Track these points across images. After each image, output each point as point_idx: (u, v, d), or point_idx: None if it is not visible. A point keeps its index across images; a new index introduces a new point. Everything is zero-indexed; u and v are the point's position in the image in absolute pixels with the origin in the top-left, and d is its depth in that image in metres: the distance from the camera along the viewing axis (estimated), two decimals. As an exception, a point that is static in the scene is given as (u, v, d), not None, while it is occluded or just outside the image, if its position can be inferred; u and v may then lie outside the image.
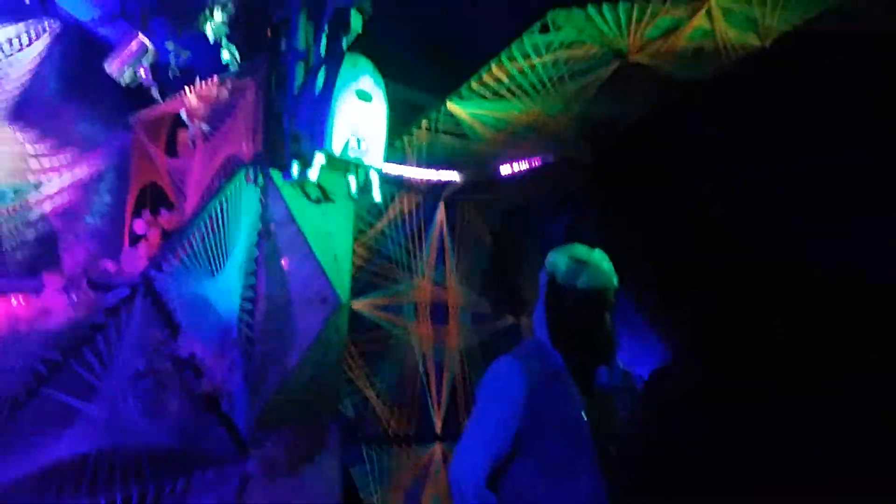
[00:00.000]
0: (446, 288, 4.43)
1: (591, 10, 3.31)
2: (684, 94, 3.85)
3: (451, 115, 3.87)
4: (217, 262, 3.39)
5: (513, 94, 3.75)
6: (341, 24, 3.37)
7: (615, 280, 2.51)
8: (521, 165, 4.30)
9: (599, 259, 2.55)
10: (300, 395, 3.60)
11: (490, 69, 3.60)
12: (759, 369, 3.90)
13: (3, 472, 2.84)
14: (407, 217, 4.20)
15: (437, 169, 4.16)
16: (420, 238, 4.28)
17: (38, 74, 4.31)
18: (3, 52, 4.19)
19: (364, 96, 3.40)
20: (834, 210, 3.76)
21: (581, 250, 2.57)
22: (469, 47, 3.62)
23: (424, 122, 3.91)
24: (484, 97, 3.75)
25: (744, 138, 3.86)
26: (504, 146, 4.07)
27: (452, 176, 4.25)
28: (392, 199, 4.08)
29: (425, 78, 3.78)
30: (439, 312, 4.43)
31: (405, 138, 3.93)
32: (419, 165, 4.06)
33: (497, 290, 4.68)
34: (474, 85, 3.67)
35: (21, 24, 4.20)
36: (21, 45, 4.22)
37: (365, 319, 4.11)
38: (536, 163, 4.33)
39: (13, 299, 2.68)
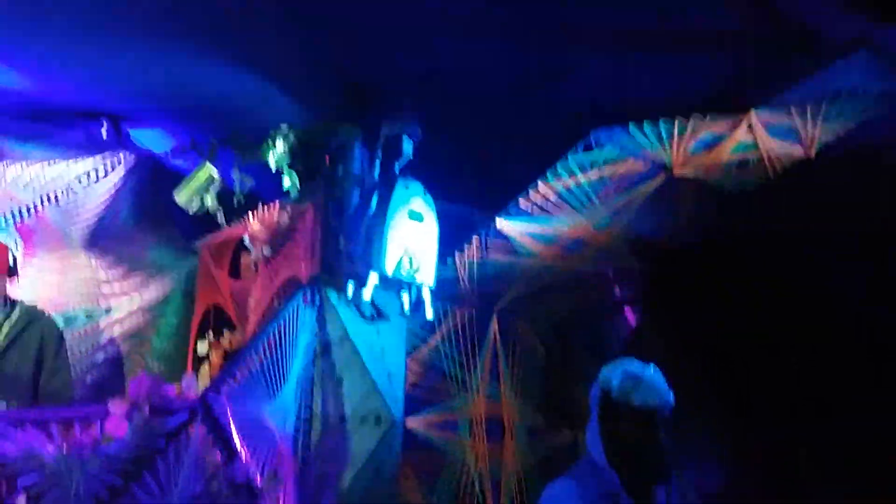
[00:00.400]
0: (501, 403, 4.39)
1: (632, 128, 3.42)
2: (732, 204, 3.86)
3: (501, 232, 3.96)
4: (275, 382, 3.44)
5: (560, 209, 3.83)
6: (393, 150, 3.55)
7: (671, 397, 2.48)
8: (572, 277, 4.33)
9: (654, 375, 2.53)
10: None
11: (537, 187, 3.71)
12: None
13: None
14: (460, 332, 4.23)
15: (489, 284, 4.21)
16: (474, 353, 4.29)
17: (112, 204, 4.58)
18: (80, 183, 4.49)
19: (416, 216, 3.54)
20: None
21: (635, 366, 2.56)
22: (517, 165, 3.74)
23: (475, 239, 4.00)
24: (532, 213, 3.85)
25: (793, 246, 3.84)
26: (554, 260, 4.12)
27: (503, 290, 4.30)
28: (445, 314, 4.13)
29: (475, 196, 3.90)
30: (495, 429, 4.37)
31: (456, 255, 4.02)
32: (471, 281, 4.12)
33: (553, 405, 4.61)
34: (522, 202, 3.77)
35: (98, 157, 4.49)
36: (98, 176, 4.51)
37: (419, 437, 4.08)
38: (588, 274, 4.35)
39: (78, 426, 2.76)
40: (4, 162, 4.28)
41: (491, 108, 3.58)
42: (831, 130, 3.54)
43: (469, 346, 4.24)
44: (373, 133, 3.67)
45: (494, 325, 4.38)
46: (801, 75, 3.26)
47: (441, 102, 3.57)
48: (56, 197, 4.46)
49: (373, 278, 3.48)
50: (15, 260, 3.81)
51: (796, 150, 3.63)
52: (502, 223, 3.91)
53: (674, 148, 3.55)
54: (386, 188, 3.56)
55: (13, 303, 3.74)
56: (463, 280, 4.06)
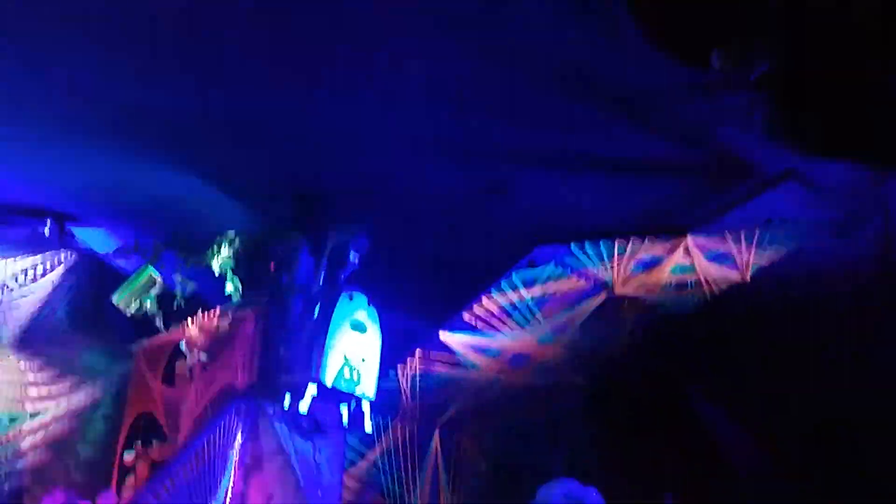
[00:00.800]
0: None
1: (574, 247, 3.49)
2: (671, 323, 3.92)
3: (444, 344, 3.94)
4: (201, 498, 3.29)
5: (503, 324, 3.84)
6: (339, 260, 3.54)
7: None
8: (517, 392, 4.29)
9: (594, 497, 2.47)
10: None
11: (480, 301, 3.73)
12: None
13: None
14: (400, 447, 4.12)
15: (431, 397, 4.15)
16: (415, 468, 4.18)
17: (48, 304, 4.46)
18: (17, 282, 4.37)
19: (359, 327, 3.50)
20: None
21: (574, 486, 2.50)
22: (461, 279, 3.75)
23: (418, 352, 3.97)
24: (475, 327, 3.85)
25: (731, 364, 3.90)
26: (498, 373, 4.10)
27: (447, 404, 4.23)
28: (385, 428, 4.04)
29: (418, 308, 3.89)
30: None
31: (399, 367, 3.97)
32: (413, 394, 4.06)
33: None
34: (466, 316, 3.78)
35: (38, 256, 4.41)
36: (35, 275, 4.41)
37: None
38: (531, 389, 4.32)
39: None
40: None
41: (436, 222, 3.63)
42: (765, 255, 3.65)
43: (409, 461, 4.13)
44: (319, 242, 3.67)
45: (436, 440, 4.29)
46: (736, 202, 3.39)
47: (387, 215, 3.60)
48: (-12, 294, 4.34)
49: (311, 389, 3.39)
50: None
51: (732, 274, 3.73)
52: (445, 336, 3.90)
53: (615, 267, 3.62)
54: (330, 298, 3.53)
55: None
56: (405, 393, 4.00)
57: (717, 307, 3.76)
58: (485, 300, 3.75)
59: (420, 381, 4.02)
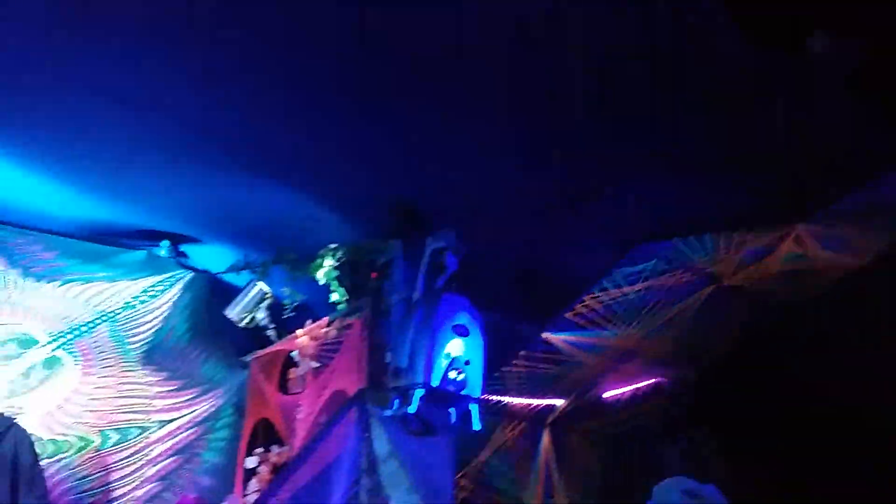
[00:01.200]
0: (556, 519, 4.24)
1: (679, 241, 3.41)
2: (784, 314, 3.78)
3: (548, 343, 3.93)
4: (321, 499, 3.40)
5: (608, 321, 3.80)
6: (438, 266, 3.60)
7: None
8: (626, 389, 4.23)
9: (713, 493, 2.42)
10: None
11: (583, 301, 3.70)
12: None
13: None
14: (511, 446, 4.14)
15: (539, 396, 4.15)
16: (526, 467, 4.18)
17: (168, 320, 4.73)
18: (139, 301, 4.66)
19: (461, 330, 3.55)
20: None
21: (692, 484, 2.45)
22: (561, 280, 3.74)
23: (523, 352, 3.98)
24: (579, 325, 3.82)
25: (850, 356, 3.71)
26: (605, 370, 4.05)
27: (555, 402, 4.22)
28: (494, 428, 4.06)
29: (521, 309, 3.90)
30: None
31: (504, 368, 3.99)
32: (520, 394, 4.07)
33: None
34: (569, 315, 3.76)
35: (157, 276, 4.69)
36: (156, 292, 4.70)
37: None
38: (642, 386, 4.25)
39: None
40: (68, 282, 4.49)
41: (534, 224, 3.63)
42: (881, 241, 3.47)
43: (521, 460, 4.14)
44: (417, 249, 3.74)
45: (546, 439, 4.29)
46: (849, 188, 3.24)
47: (484, 219, 3.63)
48: (115, 313, 4.64)
49: (418, 393, 3.46)
50: None
51: (847, 260, 3.57)
52: (549, 335, 3.89)
53: (722, 259, 3.52)
54: (431, 303, 3.59)
55: None
56: (512, 393, 4.01)
57: (832, 295, 3.60)
58: (588, 299, 3.72)
59: (527, 380, 4.03)
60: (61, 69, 2.98)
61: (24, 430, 3.81)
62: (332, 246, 4.07)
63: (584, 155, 3.17)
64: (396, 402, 3.50)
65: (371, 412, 3.59)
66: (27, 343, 4.45)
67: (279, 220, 4.12)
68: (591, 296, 3.68)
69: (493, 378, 3.89)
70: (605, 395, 4.31)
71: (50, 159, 3.66)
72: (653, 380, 4.27)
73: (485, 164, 3.32)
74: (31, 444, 3.79)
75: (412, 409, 3.43)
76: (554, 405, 4.24)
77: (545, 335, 3.89)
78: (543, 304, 3.85)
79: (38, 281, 4.42)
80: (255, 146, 3.38)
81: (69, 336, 4.55)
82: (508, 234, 3.71)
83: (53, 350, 4.49)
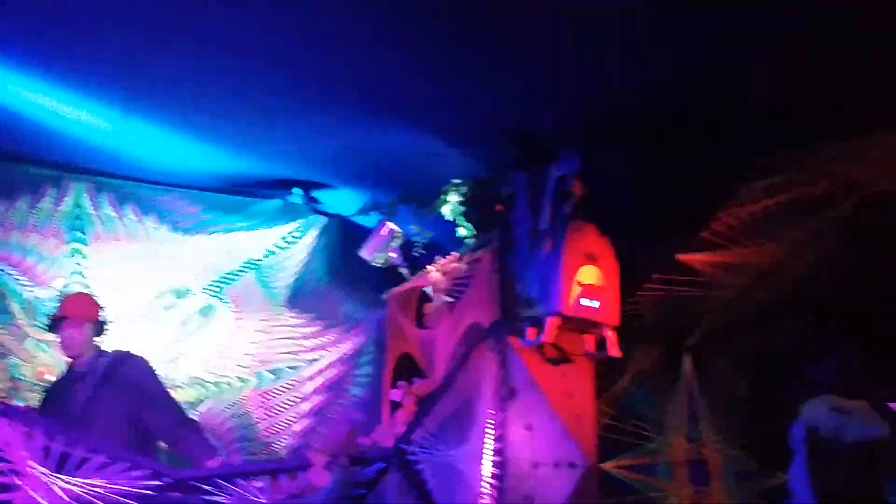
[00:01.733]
0: (703, 445, 4.16)
1: (818, 148, 3.16)
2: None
3: (685, 265, 3.80)
4: (464, 428, 3.50)
5: (748, 237, 3.61)
6: (563, 193, 3.54)
7: (886, 431, 2.24)
8: (770, 307, 4.04)
9: (866, 409, 2.30)
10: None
11: (719, 217, 3.53)
12: None
13: None
14: (651, 371, 4.08)
15: (677, 319, 4.05)
16: (668, 392, 4.12)
17: (307, 264, 4.96)
18: (279, 247, 4.91)
19: (592, 257, 3.49)
20: None
21: (841, 402, 2.34)
22: (694, 197, 3.59)
23: (658, 275, 3.87)
24: (717, 244, 3.66)
25: None
26: (745, 290, 3.88)
27: (694, 325, 4.10)
28: (633, 354, 4.01)
29: (653, 230, 3.78)
30: (698, 472, 4.15)
31: (638, 292, 3.90)
32: (657, 318, 3.98)
33: (761, 445, 4.29)
34: (705, 234, 3.60)
35: (293, 223, 4.92)
36: (294, 238, 4.93)
37: (617, 481, 3.96)
38: (787, 304, 4.05)
39: (285, 477, 2.96)
40: (212, 233, 4.78)
41: (661, 140, 3.47)
42: None
43: (662, 385, 4.08)
44: (541, 178, 3.68)
45: (687, 364, 4.19)
46: None
47: (610, 139, 3.52)
48: (258, 261, 4.91)
49: (552, 322, 3.45)
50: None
51: None
52: (685, 256, 3.76)
53: (869, 165, 3.24)
54: (559, 231, 3.55)
55: (101, 352, 4.00)
56: (648, 317, 3.93)
57: None
58: (724, 216, 3.55)
59: (663, 304, 3.93)
60: (199, 30, 3.11)
61: (145, 360, 4.03)
62: (456, 181, 4.09)
63: (714, 52, 2.98)
64: (531, 331, 3.51)
65: (507, 342, 3.63)
66: (183, 293, 4.81)
67: (404, 160, 4.18)
68: (728, 212, 3.50)
69: (629, 303, 3.82)
70: (747, 315, 4.14)
71: (189, 118, 3.87)
72: (797, 297, 4.06)
73: (605, 80, 3.19)
74: (153, 371, 4.01)
75: (547, 337, 3.43)
76: (694, 328, 4.12)
77: (681, 256, 3.76)
78: (676, 224, 3.70)
79: (186, 234, 4.74)
80: (378, 89, 3.44)
81: (219, 285, 4.87)
82: (636, 152, 3.58)
83: (207, 299, 4.83)
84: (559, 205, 3.52)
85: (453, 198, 3.99)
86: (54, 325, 3.95)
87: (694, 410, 4.19)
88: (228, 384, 4.84)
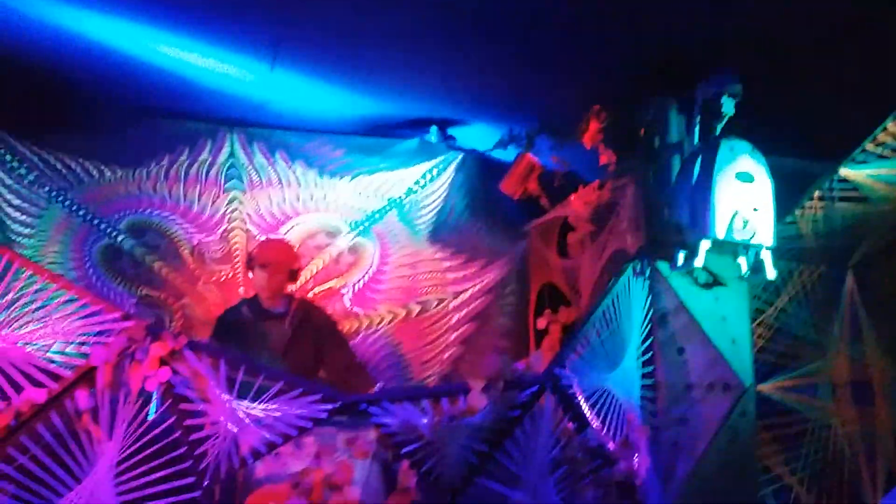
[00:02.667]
0: (867, 365, 3.99)
1: None
2: None
3: (847, 180, 3.61)
4: (615, 354, 3.53)
5: (918, 148, 3.37)
6: (713, 112, 3.42)
7: None
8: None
9: None
10: (713, 483, 3.53)
11: (885, 128, 3.30)
12: None
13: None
14: (810, 291, 3.92)
15: (838, 238, 3.85)
16: (828, 313, 3.96)
17: (447, 200, 5.08)
18: (419, 186, 5.04)
19: (745, 177, 3.38)
20: None
21: None
22: (856, 107, 3.37)
23: (817, 193, 3.69)
24: (883, 156, 3.44)
25: None
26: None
27: (856, 243, 3.89)
28: (790, 274, 3.86)
29: (811, 147, 3.60)
30: (861, 391, 3.99)
31: (797, 211, 3.74)
32: (817, 237, 3.81)
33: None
34: (869, 146, 3.39)
35: (432, 161, 5.03)
36: (433, 176, 5.05)
37: (776, 403, 3.88)
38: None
39: (445, 401, 3.10)
40: (356, 175, 4.96)
41: (818, 51, 3.26)
42: None
43: (821, 306, 3.93)
44: (689, 96, 3.56)
45: (850, 282, 3.99)
46: None
47: (757, 53, 3.34)
48: (401, 200, 5.07)
49: (703, 245, 3.39)
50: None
51: None
52: (847, 171, 3.56)
53: None
54: (709, 152, 3.44)
55: (290, 296, 4.33)
56: (807, 237, 3.77)
57: None
58: (891, 126, 3.32)
59: (823, 222, 3.75)
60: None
61: (322, 310, 4.47)
62: (597, 107, 4.02)
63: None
64: (682, 256, 3.46)
65: (655, 268, 3.60)
66: (333, 233, 5.05)
67: (539, 90, 4.15)
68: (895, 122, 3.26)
69: (785, 223, 3.67)
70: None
71: (331, 65, 4.00)
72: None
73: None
74: (334, 320, 4.43)
75: (699, 261, 3.38)
76: (858, 246, 3.90)
77: (843, 171, 3.55)
78: (836, 138, 3.50)
79: (333, 177, 4.97)
80: (510, 17, 3.39)
81: (366, 224, 5.08)
82: (789, 68, 3.39)
83: (355, 237, 5.06)
84: (709, 124, 3.41)
85: (594, 125, 3.93)
86: (252, 266, 4.27)
87: (857, 330, 4.02)
88: (380, 317, 5.08)
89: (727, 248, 3.43)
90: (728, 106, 3.38)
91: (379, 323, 5.06)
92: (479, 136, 4.88)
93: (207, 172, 4.79)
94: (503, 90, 4.23)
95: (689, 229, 3.44)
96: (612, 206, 4.01)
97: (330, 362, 4.29)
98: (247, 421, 3.01)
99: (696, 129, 3.51)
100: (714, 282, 3.58)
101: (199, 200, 4.79)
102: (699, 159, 3.43)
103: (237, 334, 4.18)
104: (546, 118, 4.45)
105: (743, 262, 3.49)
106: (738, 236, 3.35)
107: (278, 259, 4.25)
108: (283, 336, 4.18)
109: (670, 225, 3.54)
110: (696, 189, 3.41)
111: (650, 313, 3.61)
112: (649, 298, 3.62)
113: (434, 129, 4.85)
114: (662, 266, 3.61)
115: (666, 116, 3.63)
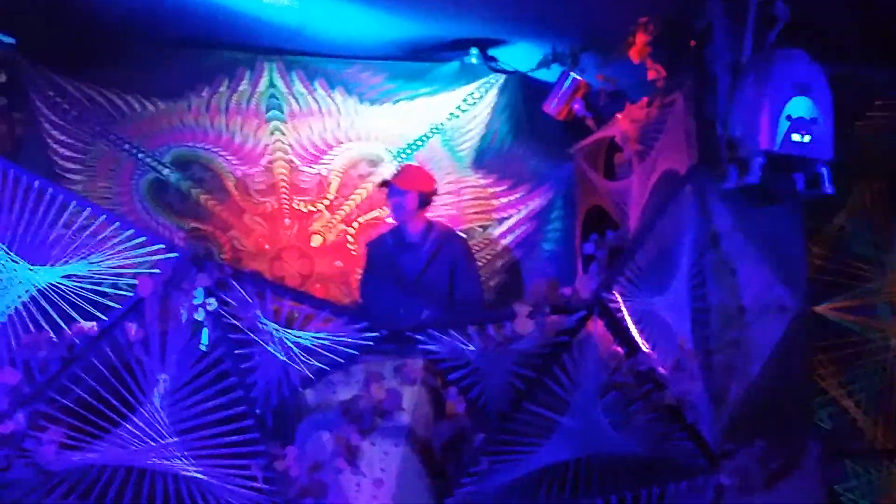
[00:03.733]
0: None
1: None
2: None
3: (911, 88, 3.41)
4: (664, 277, 3.46)
5: None
6: (767, 18, 3.23)
7: None
8: None
9: None
10: (767, 406, 3.50)
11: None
12: None
13: (499, 476, 3.28)
14: (871, 207, 3.77)
15: (901, 149, 3.67)
16: (890, 229, 3.81)
17: (489, 124, 4.98)
18: (461, 110, 4.94)
19: (802, 89, 3.20)
20: None
21: None
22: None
23: (879, 102, 3.50)
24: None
25: None
26: None
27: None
28: (850, 190, 3.71)
29: (872, 54, 3.39)
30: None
31: (857, 123, 3.56)
32: (878, 149, 3.63)
33: None
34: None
35: (473, 84, 4.90)
36: (475, 100, 4.93)
37: (832, 324, 3.79)
38: None
39: (491, 327, 3.09)
40: (397, 101, 4.87)
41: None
42: None
43: (882, 223, 3.78)
44: (741, 4, 3.37)
45: (914, 197, 3.83)
46: None
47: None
48: (442, 125, 4.97)
49: (758, 161, 3.25)
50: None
51: None
52: (913, 78, 3.36)
53: None
54: (763, 61, 3.26)
55: (430, 224, 4.28)
56: (867, 150, 3.60)
57: None
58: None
59: (885, 134, 3.57)
60: None
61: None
62: (643, 20, 3.84)
63: None
64: (735, 173, 3.33)
65: (707, 187, 3.48)
66: (376, 161, 5.00)
67: (583, 4, 3.97)
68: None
69: (845, 134, 3.50)
70: None
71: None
72: None
73: None
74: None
75: (753, 178, 3.24)
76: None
77: (907, 78, 3.36)
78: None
79: (373, 104, 4.91)
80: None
81: (408, 151, 5.02)
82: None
83: (397, 165, 5.00)
84: (763, 32, 3.22)
85: (641, 38, 3.76)
86: (387, 190, 4.25)
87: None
88: (423, 245, 5.05)
89: (782, 163, 3.28)
90: (783, 11, 3.19)
91: (422, 251, 5.04)
92: (522, 56, 4.74)
93: (248, 103, 4.76)
94: (545, 6, 4.07)
95: (743, 145, 3.30)
96: (661, 124, 3.86)
97: (457, 293, 4.24)
98: (295, 350, 3.05)
99: (750, 38, 3.31)
100: (769, 200, 3.45)
101: (240, 131, 4.77)
102: (753, 71, 3.25)
103: (380, 264, 4.26)
104: (591, 34, 4.28)
105: (799, 177, 3.35)
106: (795, 150, 3.20)
107: (407, 183, 4.22)
108: (418, 264, 4.19)
109: (723, 141, 3.40)
110: (750, 102, 3.25)
111: (701, 234, 3.51)
112: (701, 219, 3.52)
113: (475, 50, 4.70)
114: (714, 185, 3.49)
115: (719, 23, 3.44)
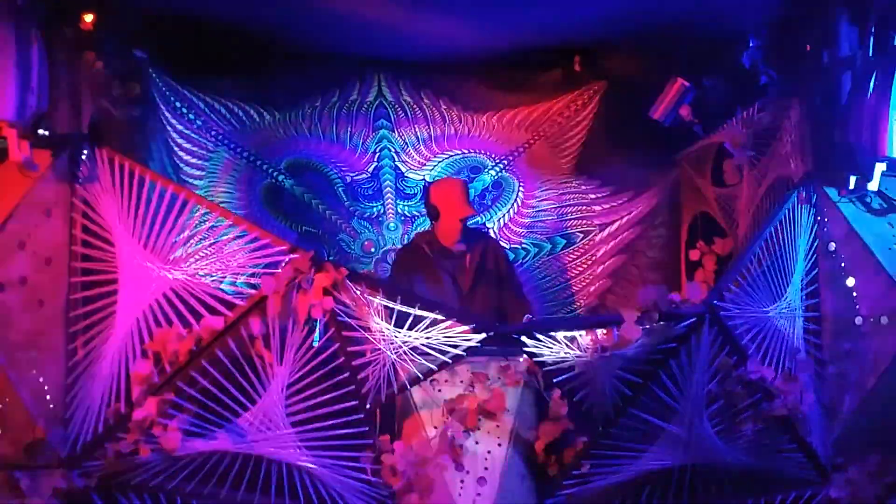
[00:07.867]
0: None
1: None
2: None
3: None
4: (776, 285, 3.39)
5: None
6: (889, 20, 3.12)
7: None
8: None
9: None
10: (881, 419, 3.37)
11: None
12: None
13: (601, 479, 3.29)
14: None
15: None
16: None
17: (592, 130, 4.96)
18: (563, 116, 4.95)
19: (926, 91, 3.08)
20: None
21: None
22: None
23: None
24: None
25: None
26: None
27: None
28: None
29: None
30: None
31: None
32: None
33: None
34: None
35: (576, 91, 4.91)
36: (577, 107, 4.94)
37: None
38: None
39: (598, 333, 3.10)
40: (500, 109, 4.93)
41: None
42: None
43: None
44: (862, 5, 3.26)
45: None
46: None
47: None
48: (545, 132, 5.00)
49: (879, 167, 3.15)
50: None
51: None
52: None
53: None
54: (884, 65, 3.16)
55: (467, 230, 4.19)
56: None
57: None
58: None
59: None
60: None
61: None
62: (754, 24, 3.77)
63: None
64: (853, 180, 3.23)
65: (823, 194, 3.39)
66: (477, 168, 5.08)
67: (686, 12, 3.92)
68: None
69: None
70: None
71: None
72: None
73: None
74: (500, 248, 4.42)
75: (874, 185, 3.14)
76: None
77: None
78: None
79: (476, 113, 4.98)
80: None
81: (510, 158, 5.07)
82: None
83: (498, 172, 5.06)
84: (886, 34, 3.11)
85: (753, 42, 3.69)
86: (432, 213, 4.21)
87: None
88: (525, 251, 5.09)
89: (897, 171, 3.17)
90: (906, 13, 3.08)
91: (524, 257, 5.07)
92: (626, 63, 4.70)
93: (357, 112, 4.92)
94: (647, 15, 4.03)
95: (863, 150, 3.21)
96: (774, 130, 3.78)
97: (506, 303, 4.21)
98: (404, 348, 3.15)
99: (871, 40, 3.21)
100: (889, 207, 3.33)
101: (350, 140, 4.94)
102: (874, 74, 3.16)
103: (419, 271, 4.16)
104: (698, 39, 4.20)
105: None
106: (918, 157, 3.08)
107: (449, 199, 4.13)
108: (464, 275, 4.14)
109: (841, 147, 3.32)
110: (871, 106, 3.16)
111: (816, 242, 3.42)
112: (815, 226, 3.43)
113: (577, 58, 4.71)
114: (830, 191, 3.40)
115: (836, 28, 3.34)
